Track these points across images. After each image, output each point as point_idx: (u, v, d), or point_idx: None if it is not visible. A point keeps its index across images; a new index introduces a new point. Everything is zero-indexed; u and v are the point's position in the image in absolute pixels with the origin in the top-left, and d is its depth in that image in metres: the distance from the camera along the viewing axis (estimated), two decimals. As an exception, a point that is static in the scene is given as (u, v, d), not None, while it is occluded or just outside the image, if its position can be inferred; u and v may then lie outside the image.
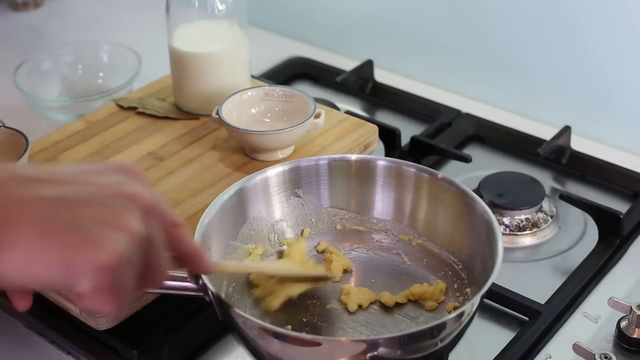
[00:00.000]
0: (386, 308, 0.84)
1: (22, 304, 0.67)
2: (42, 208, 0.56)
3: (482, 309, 0.88)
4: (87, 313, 0.81)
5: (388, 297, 0.84)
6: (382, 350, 0.70)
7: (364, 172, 0.89)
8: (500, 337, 0.87)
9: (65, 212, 0.56)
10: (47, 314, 0.87)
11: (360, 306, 0.84)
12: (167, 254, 0.64)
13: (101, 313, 0.57)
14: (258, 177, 0.87)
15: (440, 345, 0.73)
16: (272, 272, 0.83)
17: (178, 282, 0.75)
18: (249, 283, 0.84)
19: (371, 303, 0.84)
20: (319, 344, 0.71)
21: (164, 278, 0.63)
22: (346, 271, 0.88)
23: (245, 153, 1.01)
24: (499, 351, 0.84)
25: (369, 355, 0.70)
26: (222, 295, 0.77)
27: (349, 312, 0.83)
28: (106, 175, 0.61)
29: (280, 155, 0.99)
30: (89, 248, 0.55)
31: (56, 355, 0.88)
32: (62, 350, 0.88)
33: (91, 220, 0.56)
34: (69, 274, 0.55)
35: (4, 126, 0.99)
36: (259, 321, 0.72)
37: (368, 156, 0.92)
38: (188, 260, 0.67)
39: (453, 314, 0.71)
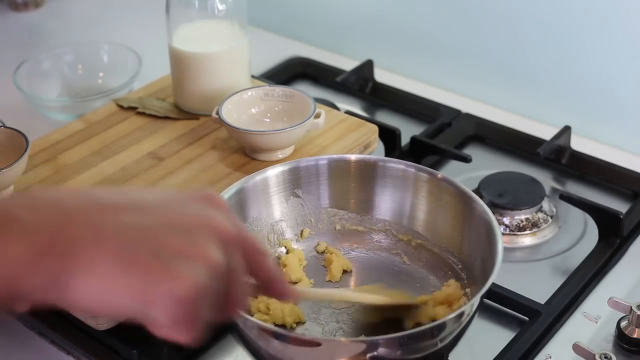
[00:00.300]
0: None
1: (22, 305, 0.67)
2: (122, 236, 0.56)
3: (482, 309, 0.88)
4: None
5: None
6: (382, 351, 0.70)
7: (363, 172, 0.89)
8: (500, 337, 0.87)
9: (146, 241, 0.56)
10: (47, 314, 0.87)
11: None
12: (248, 282, 0.63)
13: (176, 341, 0.57)
14: (257, 177, 0.87)
15: (440, 345, 0.73)
16: (357, 300, 0.81)
17: None
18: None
19: None
20: (318, 344, 0.71)
21: (242, 307, 0.63)
22: (346, 271, 0.88)
23: (245, 153, 1.01)
24: (499, 351, 0.84)
25: (368, 355, 0.70)
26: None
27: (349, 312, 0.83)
28: (188, 203, 0.60)
29: (280, 156, 0.99)
30: (167, 279, 0.54)
31: (56, 355, 0.88)
32: (62, 350, 0.88)
33: (171, 250, 0.56)
34: (145, 304, 0.55)
35: (4, 126, 0.99)
36: (258, 321, 0.72)
37: (367, 156, 0.92)
38: (269, 287, 0.66)
39: (453, 314, 0.71)
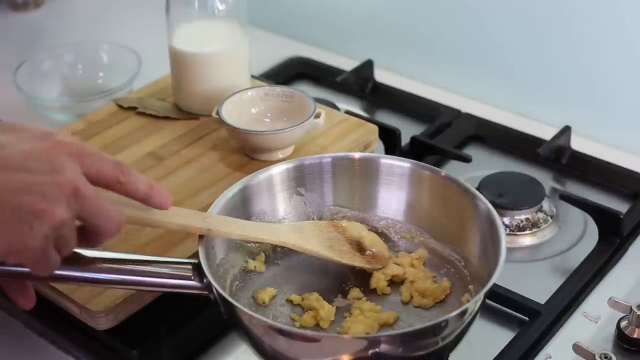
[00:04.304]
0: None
1: (26, 303, 0.68)
2: None
3: (483, 309, 0.88)
4: (86, 314, 0.81)
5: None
6: (383, 347, 0.70)
7: (367, 170, 0.89)
8: (500, 337, 0.87)
9: (7, 202, 0.64)
10: (47, 314, 0.87)
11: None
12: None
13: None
14: (261, 175, 0.87)
15: (441, 343, 0.73)
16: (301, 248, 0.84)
17: (182, 281, 0.75)
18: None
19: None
20: (320, 340, 0.72)
21: (111, 220, 0.69)
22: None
23: (246, 153, 1.01)
24: (499, 351, 0.84)
25: (370, 352, 0.70)
26: (227, 292, 0.77)
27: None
28: (46, 157, 0.67)
29: (281, 155, 0.99)
30: (22, 234, 0.64)
31: (56, 355, 0.88)
32: (62, 350, 0.88)
33: (27, 209, 0.64)
34: (9, 253, 0.65)
35: (4, 126, 0.99)
36: (264, 318, 0.73)
37: (371, 154, 0.92)
38: (145, 199, 0.74)
39: (455, 312, 0.72)
